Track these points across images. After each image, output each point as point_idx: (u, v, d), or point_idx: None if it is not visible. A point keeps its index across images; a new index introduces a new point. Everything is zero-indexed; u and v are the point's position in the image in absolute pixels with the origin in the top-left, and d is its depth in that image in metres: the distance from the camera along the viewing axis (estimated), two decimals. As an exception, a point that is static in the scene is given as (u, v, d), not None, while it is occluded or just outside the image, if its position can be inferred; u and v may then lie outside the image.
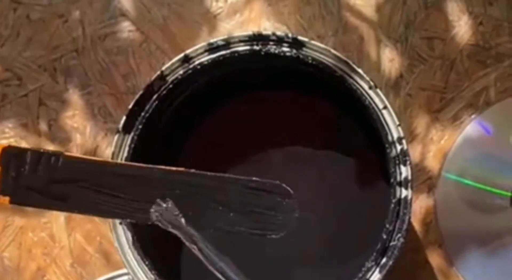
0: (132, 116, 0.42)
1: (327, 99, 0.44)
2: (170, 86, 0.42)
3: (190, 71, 0.42)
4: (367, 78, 0.41)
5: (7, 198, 0.35)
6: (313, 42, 0.41)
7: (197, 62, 0.42)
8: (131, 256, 0.41)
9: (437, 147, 0.51)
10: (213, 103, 0.44)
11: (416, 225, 0.50)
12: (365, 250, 0.41)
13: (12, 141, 0.53)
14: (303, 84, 0.43)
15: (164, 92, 0.42)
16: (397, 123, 0.40)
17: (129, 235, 0.40)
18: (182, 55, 0.42)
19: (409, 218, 0.40)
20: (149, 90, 0.42)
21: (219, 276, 0.36)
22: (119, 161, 0.41)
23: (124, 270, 0.49)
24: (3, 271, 0.52)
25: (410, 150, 0.40)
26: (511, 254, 0.50)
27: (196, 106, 0.44)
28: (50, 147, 0.53)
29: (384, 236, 0.39)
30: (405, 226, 0.39)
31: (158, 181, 0.35)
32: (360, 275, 0.39)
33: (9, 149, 0.35)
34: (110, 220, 0.41)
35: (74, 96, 0.53)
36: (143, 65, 0.53)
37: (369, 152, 0.44)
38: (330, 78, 0.41)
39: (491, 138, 0.51)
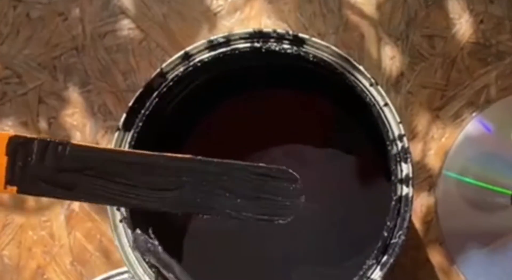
0: (132, 113, 0.41)
1: (328, 97, 0.44)
2: (170, 83, 0.42)
3: (190, 69, 0.42)
4: (368, 75, 0.40)
5: (14, 188, 0.34)
6: (314, 39, 0.41)
7: (197, 60, 0.42)
8: (132, 255, 0.41)
9: (438, 145, 0.51)
10: (213, 101, 0.44)
11: (417, 223, 0.50)
12: (366, 248, 0.41)
13: (12, 139, 0.53)
14: (303, 82, 0.43)
15: (164, 89, 0.42)
16: (398, 120, 0.40)
17: (130, 233, 0.40)
18: (182, 52, 0.42)
19: (410, 215, 0.40)
20: (149, 87, 0.42)
21: None
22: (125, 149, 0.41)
23: (124, 269, 0.49)
24: (3, 269, 0.52)
25: (410, 148, 0.40)
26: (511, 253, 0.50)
27: (196, 103, 0.44)
28: (50, 145, 0.53)
29: (385, 234, 0.39)
30: (406, 224, 0.39)
31: (165, 168, 0.35)
32: (361, 273, 0.39)
33: (15, 138, 0.34)
34: (110, 218, 0.41)
35: (74, 94, 0.53)
36: (143, 63, 0.53)
37: (369, 149, 0.43)
38: (331, 75, 0.41)
39: (492, 136, 0.51)
